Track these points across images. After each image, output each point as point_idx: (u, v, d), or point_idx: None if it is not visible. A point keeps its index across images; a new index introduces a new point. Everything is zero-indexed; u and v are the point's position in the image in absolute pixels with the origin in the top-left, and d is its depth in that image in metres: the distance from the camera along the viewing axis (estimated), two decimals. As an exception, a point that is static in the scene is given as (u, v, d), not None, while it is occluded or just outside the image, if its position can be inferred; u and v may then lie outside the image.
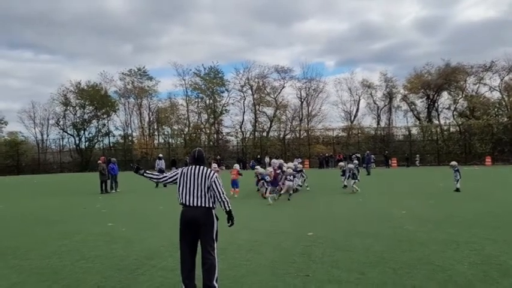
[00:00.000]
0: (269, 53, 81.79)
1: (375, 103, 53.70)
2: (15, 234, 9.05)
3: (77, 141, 54.65)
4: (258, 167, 17.79)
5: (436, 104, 51.46)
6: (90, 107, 53.78)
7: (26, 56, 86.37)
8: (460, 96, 50.05)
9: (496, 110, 48.42)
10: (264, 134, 53.18)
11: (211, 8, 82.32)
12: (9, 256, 6.93)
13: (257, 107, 53.07)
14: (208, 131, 54.79)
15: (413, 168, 37.72)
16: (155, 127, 56.98)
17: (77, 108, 54.03)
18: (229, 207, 4.80)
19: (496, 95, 48.77)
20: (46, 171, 48.73)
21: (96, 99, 52.93)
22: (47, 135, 56.33)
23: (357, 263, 5.92)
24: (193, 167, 4.83)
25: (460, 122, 48.36)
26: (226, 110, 54.61)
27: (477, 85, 49.29)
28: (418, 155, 42.37)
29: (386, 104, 53.50)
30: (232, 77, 54.32)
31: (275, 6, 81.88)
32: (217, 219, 4.77)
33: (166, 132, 56.57)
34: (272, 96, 53.57)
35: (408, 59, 73.20)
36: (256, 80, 53.18)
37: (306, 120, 53.47)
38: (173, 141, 55.65)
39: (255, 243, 7.40)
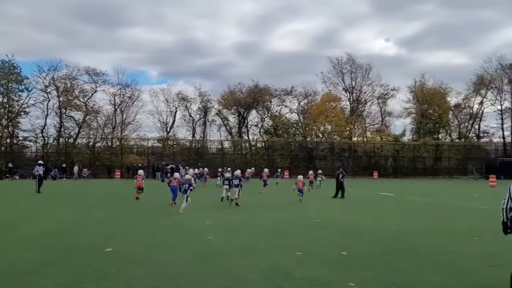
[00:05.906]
0: (89, 56, 76.28)
1: (190, 116, 54.94)
2: None
3: None
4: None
5: (246, 121, 55.92)
6: None
7: None
8: (266, 115, 55.84)
9: (294, 129, 55.83)
10: (71, 140, 48.26)
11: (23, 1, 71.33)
12: None
13: (63, 110, 47.79)
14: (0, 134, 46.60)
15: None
16: None
17: None
18: None
19: (295, 116, 56.47)
20: None
21: None
22: None
23: (153, 279, 5.54)
24: None
25: (265, 139, 53.75)
26: (25, 111, 47.34)
27: (280, 106, 56.24)
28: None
29: (201, 117, 55.33)
30: (35, 75, 47.47)
31: (99, 9, 76.61)
32: None
33: None
34: (82, 100, 49.10)
35: (228, 77, 78.43)
36: (63, 81, 47.95)
37: (119, 128, 50.87)
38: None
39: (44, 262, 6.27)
